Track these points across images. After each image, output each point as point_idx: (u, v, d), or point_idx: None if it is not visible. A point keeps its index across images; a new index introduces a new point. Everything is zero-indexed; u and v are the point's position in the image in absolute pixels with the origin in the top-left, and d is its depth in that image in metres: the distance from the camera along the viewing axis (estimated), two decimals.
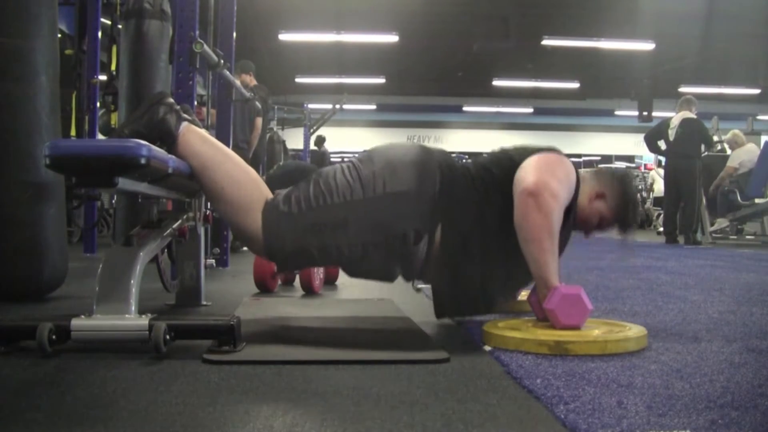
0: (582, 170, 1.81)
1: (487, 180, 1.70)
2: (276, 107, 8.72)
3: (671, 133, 6.65)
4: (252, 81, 5.53)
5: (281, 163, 6.55)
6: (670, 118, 6.81)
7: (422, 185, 1.63)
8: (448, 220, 1.64)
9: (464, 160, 1.80)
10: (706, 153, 6.65)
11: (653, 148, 7.03)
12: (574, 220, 1.76)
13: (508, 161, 1.72)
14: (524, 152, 1.74)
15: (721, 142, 8.00)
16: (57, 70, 2.25)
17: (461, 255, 1.64)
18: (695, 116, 6.62)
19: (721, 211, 6.85)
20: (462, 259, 1.64)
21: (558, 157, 1.72)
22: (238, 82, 3.86)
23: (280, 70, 13.57)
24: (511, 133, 20.04)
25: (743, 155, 7.05)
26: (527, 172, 1.63)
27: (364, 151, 1.77)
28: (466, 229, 1.65)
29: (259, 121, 5.20)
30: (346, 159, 1.88)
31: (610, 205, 1.82)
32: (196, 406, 1.05)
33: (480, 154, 1.92)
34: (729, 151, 7.52)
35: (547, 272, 1.56)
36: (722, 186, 7.00)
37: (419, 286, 1.87)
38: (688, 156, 6.52)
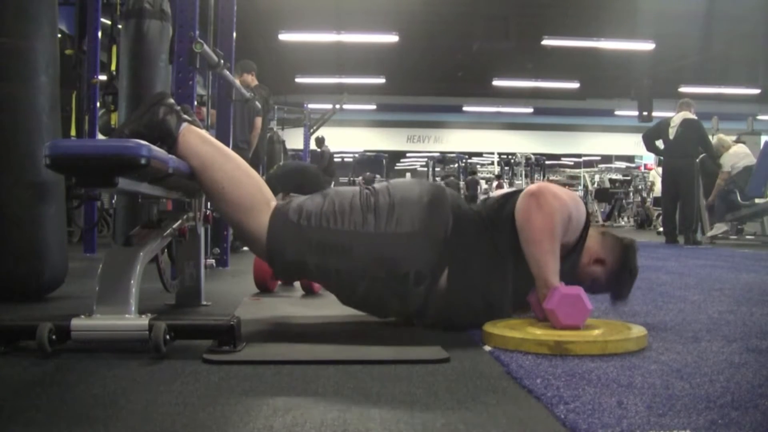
0: (591, 228, 1.78)
1: (494, 218, 1.71)
2: (276, 107, 8.71)
3: (671, 132, 6.66)
4: (253, 81, 5.53)
5: (281, 163, 6.53)
6: (669, 118, 6.81)
7: (434, 228, 1.64)
8: (457, 264, 1.65)
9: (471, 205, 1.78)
10: (703, 155, 6.65)
11: (651, 147, 7.03)
12: (574, 270, 1.74)
13: (514, 198, 1.73)
14: None
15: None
16: (57, 70, 2.25)
17: (470, 299, 1.66)
18: (695, 117, 6.63)
19: (719, 216, 6.85)
20: (471, 302, 1.66)
21: (570, 191, 1.73)
22: (238, 82, 3.85)
23: (280, 70, 13.57)
24: (511, 133, 20.05)
25: (732, 158, 7.07)
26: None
27: (386, 181, 1.78)
28: (476, 275, 1.66)
29: (258, 120, 5.19)
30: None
31: (608, 273, 1.80)
32: (196, 406, 1.05)
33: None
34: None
35: (548, 272, 1.56)
36: (718, 191, 7.00)
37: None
38: (686, 155, 6.53)
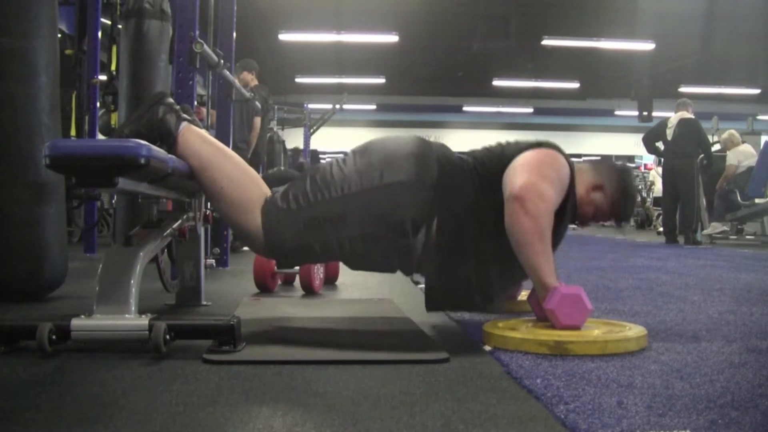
0: (581, 162, 1.80)
1: (482, 173, 1.70)
2: (276, 107, 8.71)
3: (669, 133, 6.67)
4: (253, 80, 5.53)
5: (281, 168, 6.50)
6: (668, 119, 6.82)
7: (420, 175, 1.63)
8: (445, 211, 1.64)
9: (461, 154, 1.80)
10: (702, 156, 6.64)
11: (651, 149, 7.04)
12: (572, 212, 1.76)
13: (501, 157, 1.73)
14: (517, 148, 1.75)
15: (719, 142, 8.01)
16: (57, 70, 2.25)
17: (457, 247, 1.64)
18: (693, 116, 6.63)
19: (716, 215, 6.84)
20: (457, 250, 1.64)
21: (548, 153, 1.72)
22: (237, 82, 3.85)
23: (280, 70, 13.57)
24: (511, 133, 19.95)
25: (739, 156, 7.06)
26: (515, 174, 1.63)
27: (362, 143, 1.76)
28: (462, 220, 1.65)
29: (257, 120, 5.20)
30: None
31: (608, 197, 1.82)
32: (196, 406, 1.05)
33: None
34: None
35: (542, 274, 1.56)
36: (721, 187, 7.00)
37: (417, 280, 1.88)
38: (685, 155, 6.53)
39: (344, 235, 1.61)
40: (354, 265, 1.74)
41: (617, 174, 1.85)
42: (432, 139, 1.79)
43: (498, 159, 1.73)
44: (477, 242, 1.65)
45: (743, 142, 7.64)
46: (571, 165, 1.74)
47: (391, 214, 1.60)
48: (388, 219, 1.60)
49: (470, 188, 1.68)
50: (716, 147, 7.80)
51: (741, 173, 6.93)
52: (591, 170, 1.84)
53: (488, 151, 1.79)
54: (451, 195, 1.65)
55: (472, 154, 1.81)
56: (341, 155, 1.73)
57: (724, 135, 7.48)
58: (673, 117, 6.73)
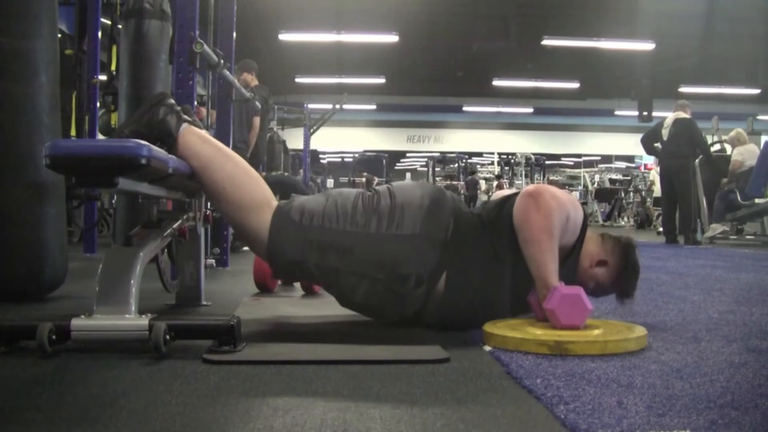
0: (588, 231, 1.78)
1: (494, 220, 1.71)
2: (276, 107, 8.71)
3: (665, 133, 6.70)
4: (253, 81, 5.53)
5: (283, 174, 6.48)
6: (664, 119, 6.84)
7: (435, 232, 1.64)
8: (457, 266, 1.65)
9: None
10: (701, 157, 6.65)
11: (650, 150, 7.05)
12: (573, 273, 1.73)
13: (502, 205, 1.73)
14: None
15: (720, 141, 8.01)
16: (57, 70, 2.25)
17: (467, 298, 1.65)
18: (689, 116, 6.63)
19: (717, 217, 6.85)
20: (468, 302, 1.66)
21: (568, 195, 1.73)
22: (237, 82, 3.85)
23: (280, 70, 13.57)
24: (511, 133, 20.05)
25: (744, 153, 7.07)
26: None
27: (388, 183, 1.78)
28: (475, 274, 1.66)
29: (256, 120, 5.20)
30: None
31: (611, 274, 1.79)
32: (196, 406, 1.05)
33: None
34: (729, 150, 7.53)
35: (547, 272, 1.56)
36: (722, 186, 7.00)
37: None
38: (681, 155, 6.54)
39: (345, 268, 1.61)
40: (344, 301, 1.73)
41: (623, 249, 1.81)
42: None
43: (497, 206, 1.74)
44: (491, 285, 1.67)
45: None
46: (585, 216, 1.74)
47: (397, 265, 1.61)
48: (393, 268, 1.61)
49: (483, 236, 1.69)
50: (716, 147, 7.80)
51: (743, 172, 6.93)
52: (598, 243, 1.81)
53: (496, 205, 1.78)
54: (465, 248, 1.66)
55: (485, 206, 1.83)
56: (367, 191, 1.73)
57: (732, 133, 7.48)
58: (669, 117, 6.76)
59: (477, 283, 1.66)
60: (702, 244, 6.46)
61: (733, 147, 7.30)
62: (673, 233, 6.70)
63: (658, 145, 6.82)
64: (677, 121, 6.61)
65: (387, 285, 1.61)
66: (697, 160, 6.62)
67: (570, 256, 1.71)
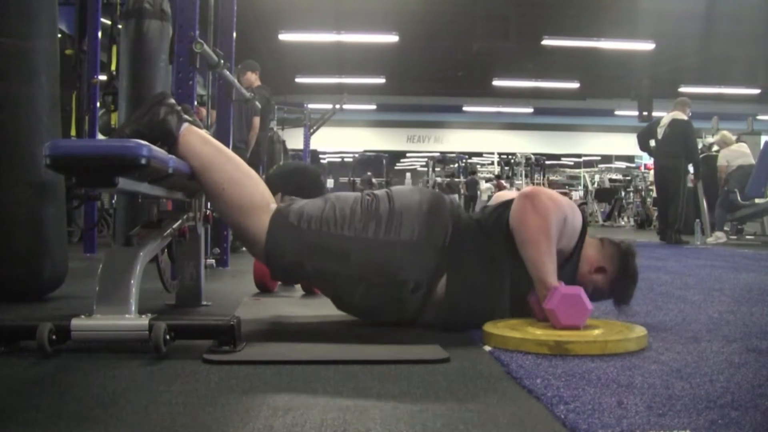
0: (588, 236, 1.78)
1: (491, 223, 1.71)
2: (276, 107, 8.70)
3: (660, 132, 6.73)
4: (256, 81, 5.54)
5: (281, 163, 6.52)
6: (661, 118, 6.86)
7: (433, 237, 1.64)
8: (455, 272, 1.65)
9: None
10: (704, 155, 6.66)
11: (644, 147, 7.08)
12: (572, 276, 1.73)
13: (500, 210, 1.74)
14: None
15: (712, 144, 8.03)
16: (57, 70, 2.25)
17: (468, 305, 1.66)
18: (686, 117, 6.64)
19: (718, 224, 6.86)
20: (468, 303, 1.66)
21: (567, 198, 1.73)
22: (238, 83, 3.85)
23: (280, 70, 13.57)
24: (511, 133, 20.05)
25: (728, 154, 7.11)
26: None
27: (387, 188, 1.78)
28: (474, 282, 1.66)
29: (256, 120, 5.20)
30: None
31: (609, 280, 1.79)
32: (196, 406, 1.05)
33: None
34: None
35: (545, 273, 1.56)
36: (722, 191, 7.00)
37: None
38: (673, 156, 6.56)
39: (342, 272, 1.62)
40: (341, 304, 1.74)
41: (622, 256, 1.80)
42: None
43: (494, 211, 1.75)
44: (491, 288, 1.67)
45: (741, 141, 7.66)
46: (584, 218, 1.74)
47: (395, 270, 1.61)
48: (391, 273, 1.61)
49: (481, 239, 1.69)
50: (715, 148, 7.81)
51: (733, 171, 6.95)
52: (597, 249, 1.81)
53: (495, 209, 1.78)
54: (463, 252, 1.66)
55: (483, 211, 1.83)
56: (367, 194, 1.73)
57: (717, 136, 7.54)
58: (666, 116, 6.77)
59: (476, 285, 1.66)
60: (688, 243, 6.47)
61: (720, 149, 7.33)
62: (666, 231, 6.73)
63: (652, 142, 6.84)
64: (673, 122, 6.64)
65: (384, 289, 1.62)
66: (685, 161, 6.62)
67: (569, 261, 1.71)
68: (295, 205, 1.68)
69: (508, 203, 1.71)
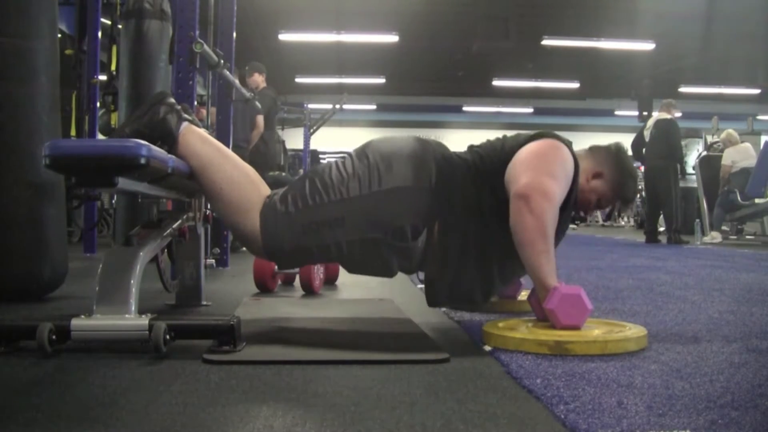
0: (576, 150, 1.79)
1: (482, 169, 1.70)
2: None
3: (647, 134, 6.75)
4: (263, 83, 5.57)
5: (281, 174, 6.52)
6: (647, 121, 6.89)
7: (418, 180, 1.63)
8: (446, 213, 1.64)
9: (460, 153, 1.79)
10: (704, 155, 6.66)
11: (638, 156, 7.08)
12: (575, 203, 1.76)
13: (501, 151, 1.73)
14: (517, 141, 1.74)
15: (718, 142, 8.02)
16: (57, 70, 2.25)
17: (459, 245, 1.64)
18: (670, 117, 6.65)
19: (716, 224, 6.86)
20: (460, 248, 1.64)
21: (552, 144, 1.70)
22: (238, 83, 3.85)
23: (280, 70, 13.56)
24: (511, 134, 20.05)
25: (734, 154, 7.09)
26: (520, 171, 1.62)
27: (361, 145, 1.76)
28: (464, 219, 1.65)
29: (260, 119, 5.21)
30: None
31: (609, 182, 1.82)
32: (196, 406, 1.05)
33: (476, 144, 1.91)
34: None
35: (543, 274, 1.56)
36: (722, 190, 7.00)
37: (419, 279, 1.87)
38: (661, 156, 6.56)
39: (342, 238, 1.61)
40: (351, 268, 1.73)
41: (614, 156, 1.85)
42: (431, 138, 1.79)
43: (498, 152, 1.73)
44: (479, 239, 1.66)
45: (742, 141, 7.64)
46: (574, 156, 1.73)
47: (390, 220, 1.60)
48: (387, 225, 1.60)
49: (470, 186, 1.67)
50: (720, 146, 7.81)
51: (735, 173, 6.94)
52: (588, 157, 1.84)
53: (488, 144, 1.79)
54: (451, 195, 1.65)
55: (472, 149, 1.80)
56: (341, 157, 1.72)
57: (723, 134, 7.50)
58: (652, 119, 6.80)
59: (467, 224, 1.64)
60: (688, 243, 6.47)
61: (725, 148, 7.31)
62: (654, 233, 6.73)
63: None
64: (658, 123, 6.66)
65: (387, 242, 1.60)
66: (675, 162, 6.61)
67: (570, 196, 1.70)
68: (277, 195, 1.67)
69: (504, 140, 1.73)
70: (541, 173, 1.60)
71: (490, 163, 1.70)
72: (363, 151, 1.70)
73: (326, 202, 1.61)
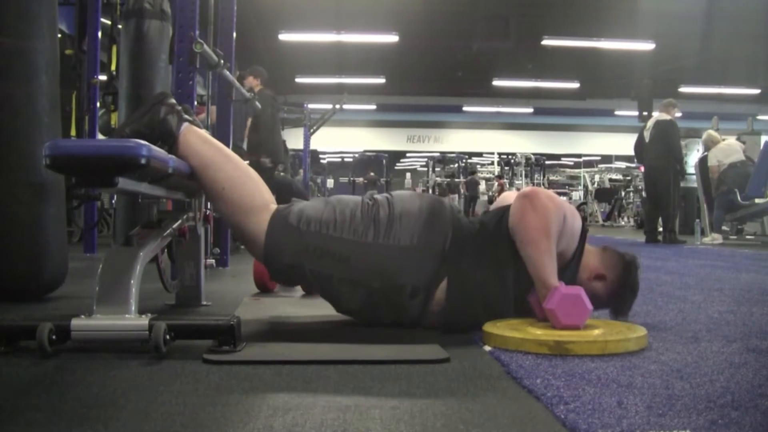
0: (588, 245, 1.77)
1: (497, 236, 1.69)
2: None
3: (647, 135, 6.76)
4: (258, 86, 5.57)
5: (281, 174, 6.52)
6: (647, 121, 6.90)
7: (432, 242, 1.64)
8: (455, 277, 1.65)
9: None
10: (705, 153, 6.67)
11: (640, 158, 7.09)
12: (572, 282, 1.71)
13: (501, 210, 1.74)
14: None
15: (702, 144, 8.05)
16: (57, 70, 2.25)
17: (470, 309, 1.65)
18: (670, 117, 6.65)
19: (716, 226, 6.86)
20: (471, 311, 1.65)
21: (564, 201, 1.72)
22: (237, 83, 3.85)
23: (280, 70, 13.56)
24: (511, 133, 20.05)
25: (718, 153, 7.11)
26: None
27: (388, 193, 1.78)
28: (476, 286, 1.65)
29: (249, 121, 5.24)
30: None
31: (609, 290, 1.77)
32: (196, 406, 1.05)
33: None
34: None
35: (545, 273, 1.56)
36: (720, 191, 7.00)
37: None
38: (660, 156, 6.57)
39: (341, 274, 1.62)
40: (339, 306, 1.73)
41: (624, 266, 1.78)
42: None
43: (497, 211, 1.74)
44: (493, 295, 1.67)
45: (742, 141, 7.65)
46: (584, 227, 1.73)
47: (393, 274, 1.61)
48: (389, 278, 1.61)
49: (484, 247, 1.68)
50: (702, 150, 7.82)
51: (725, 171, 6.94)
52: (598, 255, 1.79)
53: (496, 213, 1.77)
54: (465, 258, 1.65)
55: (484, 216, 1.82)
56: (368, 198, 1.73)
57: (704, 137, 7.53)
58: (651, 119, 6.81)
59: (479, 288, 1.65)
60: (686, 243, 6.47)
61: (709, 149, 7.32)
62: (653, 233, 6.74)
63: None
64: (657, 123, 6.67)
65: (383, 294, 1.62)
66: (673, 162, 6.61)
67: (569, 266, 1.70)
68: (295, 206, 1.68)
69: (509, 207, 1.71)
70: (547, 191, 1.65)
71: (504, 219, 1.70)
72: (387, 202, 1.71)
73: (338, 236, 1.62)
